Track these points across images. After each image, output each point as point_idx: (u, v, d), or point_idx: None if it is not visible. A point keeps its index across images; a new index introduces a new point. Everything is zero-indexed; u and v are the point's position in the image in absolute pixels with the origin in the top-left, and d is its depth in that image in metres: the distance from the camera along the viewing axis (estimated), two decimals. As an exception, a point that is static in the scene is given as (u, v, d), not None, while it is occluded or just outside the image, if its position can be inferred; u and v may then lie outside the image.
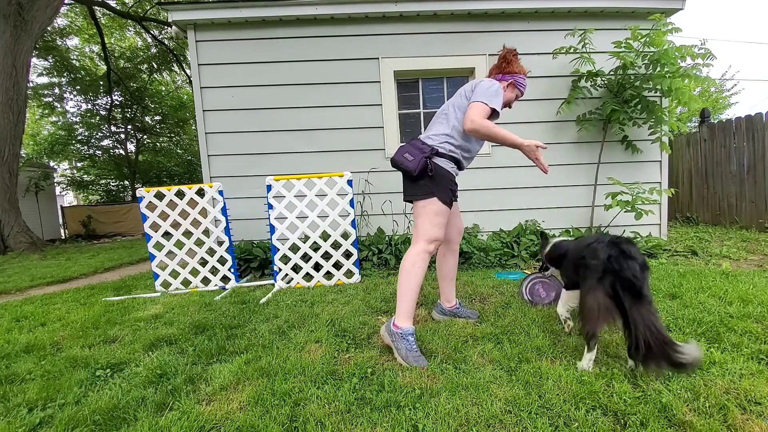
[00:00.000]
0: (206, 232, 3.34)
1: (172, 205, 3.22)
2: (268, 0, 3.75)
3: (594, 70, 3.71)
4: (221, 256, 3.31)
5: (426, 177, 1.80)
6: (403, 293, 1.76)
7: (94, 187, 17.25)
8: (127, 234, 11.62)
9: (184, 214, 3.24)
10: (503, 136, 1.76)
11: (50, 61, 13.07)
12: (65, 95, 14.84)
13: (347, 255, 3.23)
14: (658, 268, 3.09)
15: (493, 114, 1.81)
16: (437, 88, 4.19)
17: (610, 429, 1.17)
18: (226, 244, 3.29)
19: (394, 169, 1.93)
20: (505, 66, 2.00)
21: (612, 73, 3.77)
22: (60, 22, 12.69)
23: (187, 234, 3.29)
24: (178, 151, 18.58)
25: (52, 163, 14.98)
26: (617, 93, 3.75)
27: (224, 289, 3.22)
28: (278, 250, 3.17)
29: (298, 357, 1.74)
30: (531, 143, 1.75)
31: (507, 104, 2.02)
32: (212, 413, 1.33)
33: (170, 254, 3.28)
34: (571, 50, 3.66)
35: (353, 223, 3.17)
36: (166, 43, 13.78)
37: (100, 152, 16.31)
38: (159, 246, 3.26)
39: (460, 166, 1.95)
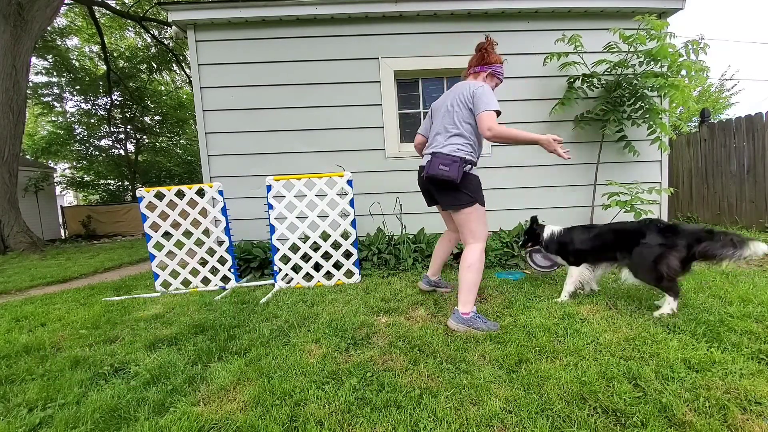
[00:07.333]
0: (206, 232, 3.34)
1: (172, 205, 3.22)
2: (268, 0, 3.75)
3: (589, 72, 3.71)
4: (221, 256, 3.31)
5: (466, 184, 2.05)
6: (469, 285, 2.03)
7: (94, 187, 17.25)
8: (127, 234, 11.62)
9: (184, 214, 3.24)
10: (522, 137, 1.96)
11: (50, 60, 13.07)
12: (64, 95, 14.84)
13: (347, 255, 3.23)
14: (658, 268, 3.09)
15: (498, 114, 1.96)
16: (437, 87, 4.18)
17: (610, 429, 1.17)
18: (226, 244, 3.29)
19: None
20: (487, 57, 2.15)
21: (607, 72, 3.76)
22: (60, 22, 12.68)
23: (187, 234, 3.29)
24: (178, 151, 18.59)
25: (50, 163, 14.98)
26: (613, 93, 3.75)
27: (224, 289, 3.22)
28: (278, 250, 3.17)
29: (298, 357, 1.74)
30: (548, 137, 1.93)
31: None
32: (212, 413, 1.33)
33: (170, 254, 3.28)
34: (562, 56, 3.63)
35: (353, 223, 3.17)
36: (166, 43, 13.78)
37: (98, 152, 16.30)
38: (159, 246, 3.26)
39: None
